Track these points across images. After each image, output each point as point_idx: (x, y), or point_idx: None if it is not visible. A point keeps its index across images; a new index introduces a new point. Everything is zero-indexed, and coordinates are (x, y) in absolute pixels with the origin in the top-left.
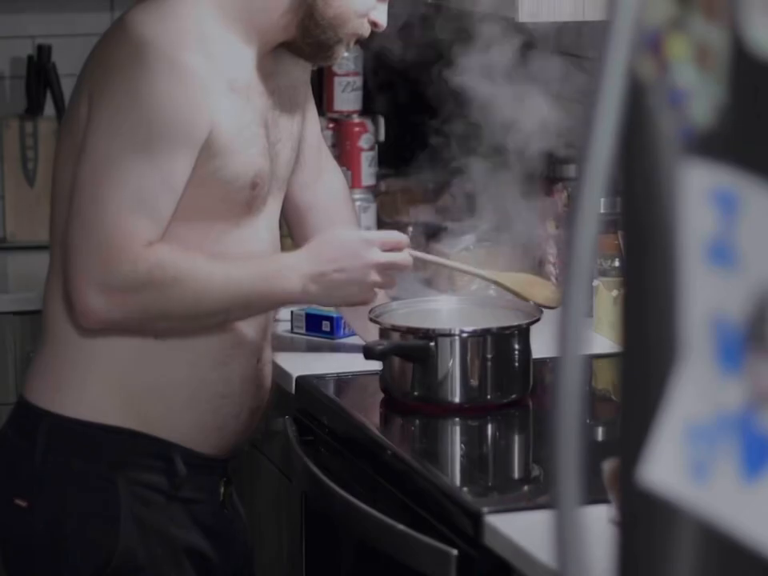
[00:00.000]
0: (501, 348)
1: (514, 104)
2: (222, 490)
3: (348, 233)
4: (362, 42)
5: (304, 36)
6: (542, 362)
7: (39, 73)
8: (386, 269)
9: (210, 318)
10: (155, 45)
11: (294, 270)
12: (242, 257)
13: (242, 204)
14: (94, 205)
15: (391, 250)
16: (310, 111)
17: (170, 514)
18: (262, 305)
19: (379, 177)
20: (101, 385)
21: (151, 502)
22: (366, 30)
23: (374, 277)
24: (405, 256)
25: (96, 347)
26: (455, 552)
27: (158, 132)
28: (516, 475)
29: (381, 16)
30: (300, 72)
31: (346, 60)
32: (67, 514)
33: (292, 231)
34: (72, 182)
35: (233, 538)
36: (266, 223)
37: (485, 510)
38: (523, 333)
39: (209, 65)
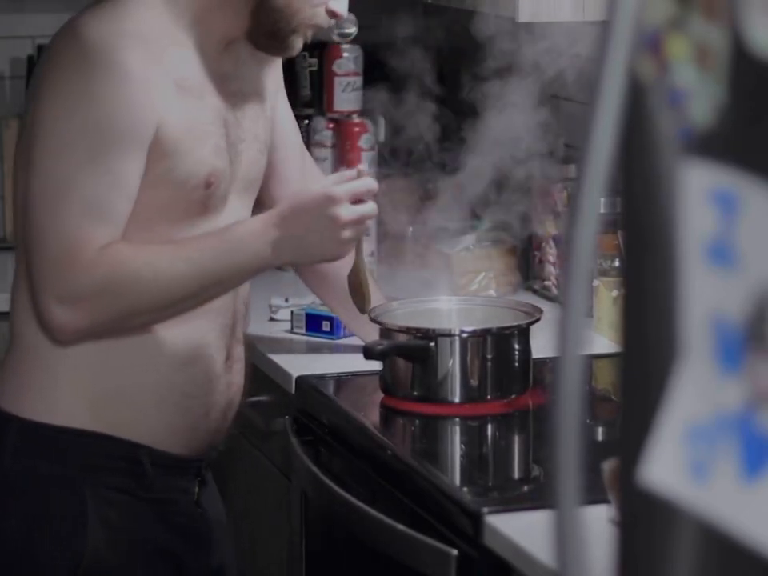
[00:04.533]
0: (501, 348)
1: (512, 105)
2: (196, 489)
3: (310, 192)
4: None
5: (257, 26)
6: (542, 361)
7: None
8: (355, 223)
9: (184, 304)
10: (95, 47)
11: (258, 236)
12: (200, 236)
13: (197, 204)
14: (47, 215)
15: (359, 198)
16: (286, 118)
17: (140, 516)
18: (235, 277)
19: (379, 177)
20: (67, 389)
21: (120, 505)
22: (323, 20)
23: (346, 234)
24: (372, 206)
25: (62, 352)
26: (455, 552)
27: (102, 134)
28: (516, 475)
29: (339, 5)
30: (268, 81)
31: (346, 60)
32: (37, 517)
33: None
34: (24, 192)
35: (208, 538)
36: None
37: (485, 510)
38: (523, 333)
39: (152, 64)
